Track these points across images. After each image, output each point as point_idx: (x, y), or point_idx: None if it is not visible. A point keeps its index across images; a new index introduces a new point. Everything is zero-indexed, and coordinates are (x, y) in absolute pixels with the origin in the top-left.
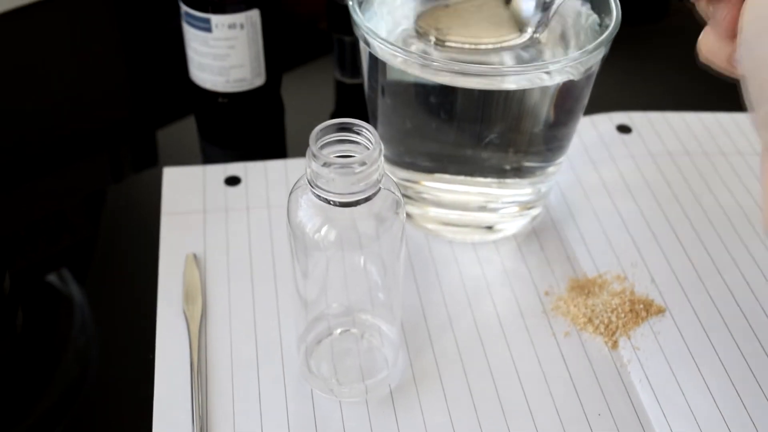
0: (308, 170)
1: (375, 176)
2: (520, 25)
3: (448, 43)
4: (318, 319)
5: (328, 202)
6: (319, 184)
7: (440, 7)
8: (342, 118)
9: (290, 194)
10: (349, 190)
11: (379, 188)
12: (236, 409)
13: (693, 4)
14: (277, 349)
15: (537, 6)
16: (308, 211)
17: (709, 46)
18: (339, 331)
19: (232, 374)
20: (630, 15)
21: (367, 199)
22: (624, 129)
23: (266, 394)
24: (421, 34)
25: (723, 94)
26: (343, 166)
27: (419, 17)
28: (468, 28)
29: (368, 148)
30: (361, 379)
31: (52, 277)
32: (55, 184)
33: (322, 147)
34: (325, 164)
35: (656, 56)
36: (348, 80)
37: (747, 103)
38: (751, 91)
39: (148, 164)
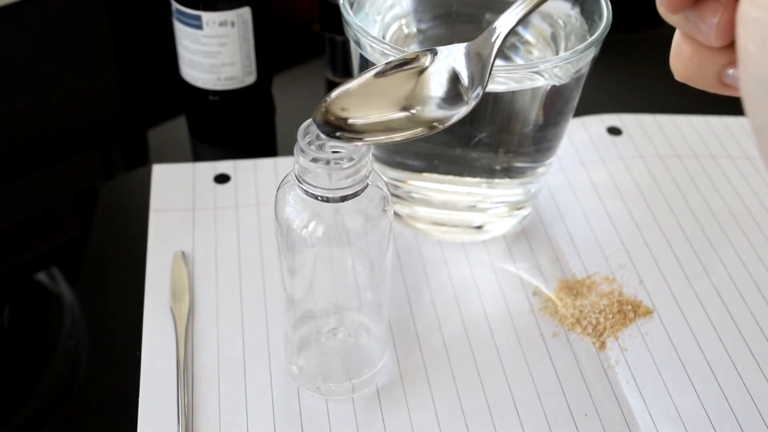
0: (296, 165)
1: (363, 172)
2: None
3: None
4: (305, 316)
5: (315, 197)
6: (306, 179)
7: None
8: None
9: (278, 190)
10: (337, 186)
11: (367, 184)
12: (222, 407)
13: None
14: (264, 348)
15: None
16: (296, 207)
17: (688, 62)
18: (326, 329)
19: (218, 372)
20: (623, 20)
21: (354, 195)
22: (614, 131)
23: (252, 391)
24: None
25: (714, 97)
26: (330, 161)
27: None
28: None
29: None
30: (348, 377)
31: (40, 275)
32: (45, 182)
33: (311, 142)
34: (313, 159)
35: (648, 59)
36: (339, 80)
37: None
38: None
39: (139, 162)
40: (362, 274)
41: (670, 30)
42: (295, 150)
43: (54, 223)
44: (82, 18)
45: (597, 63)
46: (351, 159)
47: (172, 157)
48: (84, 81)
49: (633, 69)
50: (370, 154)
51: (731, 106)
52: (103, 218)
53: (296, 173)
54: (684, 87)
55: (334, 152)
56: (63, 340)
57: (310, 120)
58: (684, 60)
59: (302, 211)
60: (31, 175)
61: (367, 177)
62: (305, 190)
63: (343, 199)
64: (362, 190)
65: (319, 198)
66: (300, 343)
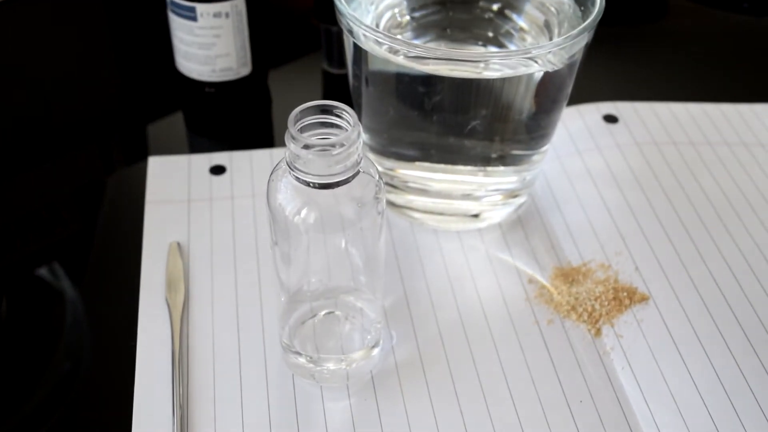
0: (287, 152)
1: (353, 158)
2: None
3: None
4: (300, 300)
5: (307, 184)
6: (297, 165)
7: None
8: (321, 100)
9: (270, 177)
10: (328, 172)
11: (358, 171)
12: (217, 397)
13: None
14: (259, 338)
15: None
16: (287, 194)
17: None
18: (323, 312)
19: (213, 362)
20: (622, 13)
21: (345, 182)
22: (610, 119)
23: (247, 381)
24: None
25: (710, 84)
26: (321, 147)
27: None
28: None
29: (347, 131)
30: (343, 362)
31: (39, 268)
32: (43, 177)
33: (304, 130)
34: (304, 146)
35: (644, 48)
36: (335, 71)
37: None
38: None
39: (137, 156)
40: (356, 259)
41: (666, 22)
42: (286, 137)
43: (53, 218)
44: (79, 12)
45: (593, 51)
46: (342, 145)
47: (168, 149)
48: (81, 75)
49: (629, 58)
50: (361, 141)
51: (727, 93)
52: (100, 212)
53: (287, 160)
54: (681, 75)
55: (324, 138)
56: (59, 332)
57: (301, 106)
58: None
59: (294, 198)
60: (29, 170)
61: (359, 163)
62: (297, 177)
63: (335, 185)
64: (354, 176)
65: (310, 185)
66: (295, 327)
